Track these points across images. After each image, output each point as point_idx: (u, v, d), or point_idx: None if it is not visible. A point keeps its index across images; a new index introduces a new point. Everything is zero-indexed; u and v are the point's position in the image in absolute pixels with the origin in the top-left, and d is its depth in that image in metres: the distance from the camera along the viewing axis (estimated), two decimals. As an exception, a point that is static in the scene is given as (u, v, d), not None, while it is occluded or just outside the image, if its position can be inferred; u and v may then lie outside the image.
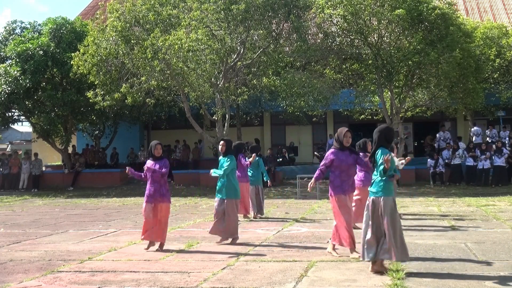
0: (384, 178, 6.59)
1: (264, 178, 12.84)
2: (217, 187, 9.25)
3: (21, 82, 21.32)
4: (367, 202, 6.71)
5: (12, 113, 25.57)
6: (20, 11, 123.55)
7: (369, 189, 6.78)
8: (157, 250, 8.46)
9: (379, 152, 6.65)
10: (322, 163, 7.90)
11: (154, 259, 7.76)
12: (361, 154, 9.99)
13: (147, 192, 8.64)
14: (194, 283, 6.28)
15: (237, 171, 12.07)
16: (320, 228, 10.43)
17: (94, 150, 27.31)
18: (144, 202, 8.66)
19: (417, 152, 28.78)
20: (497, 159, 19.86)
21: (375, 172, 6.75)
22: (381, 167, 6.56)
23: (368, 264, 6.70)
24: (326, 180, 20.42)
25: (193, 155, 26.87)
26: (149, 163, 8.69)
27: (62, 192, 21.83)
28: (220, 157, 9.59)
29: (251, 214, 12.52)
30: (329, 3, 19.73)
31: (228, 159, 9.22)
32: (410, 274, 6.40)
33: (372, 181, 6.75)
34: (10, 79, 21.42)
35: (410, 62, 19.61)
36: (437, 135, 24.10)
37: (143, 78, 19.80)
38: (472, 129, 23.66)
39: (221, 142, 9.44)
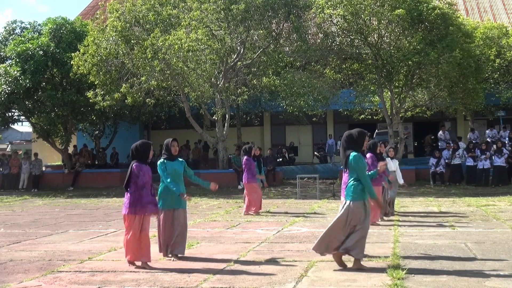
0: (358, 183, 6.71)
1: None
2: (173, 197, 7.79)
3: (21, 82, 21.32)
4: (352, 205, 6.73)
5: (12, 113, 25.58)
6: (21, 11, 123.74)
7: (348, 193, 6.79)
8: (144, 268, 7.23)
9: (355, 156, 6.71)
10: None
11: (154, 259, 7.76)
12: (369, 155, 10.16)
13: (136, 201, 7.08)
14: (194, 283, 6.27)
15: (246, 172, 12.96)
16: (320, 228, 10.40)
17: (90, 150, 27.31)
18: (135, 214, 7.10)
19: (417, 152, 28.79)
20: (497, 159, 19.84)
21: (353, 176, 6.79)
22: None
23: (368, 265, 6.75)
24: (326, 180, 20.57)
25: (193, 155, 26.87)
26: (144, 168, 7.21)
27: (62, 192, 21.81)
28: (163, 161, 7.78)
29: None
30: (329, 3, 19.75)
31: (182, 164, 7.97)
32: (410, 274, 6.40)
33: (350, 185, 6.76)
34: (10, 79, 21.42)
35: (410, 62, 19.62)
36: (438, 135, 24.07)
37: (143, 78, 19.82)
38: (473, 135, 23.57)
39: (174, 142, 7.88)
